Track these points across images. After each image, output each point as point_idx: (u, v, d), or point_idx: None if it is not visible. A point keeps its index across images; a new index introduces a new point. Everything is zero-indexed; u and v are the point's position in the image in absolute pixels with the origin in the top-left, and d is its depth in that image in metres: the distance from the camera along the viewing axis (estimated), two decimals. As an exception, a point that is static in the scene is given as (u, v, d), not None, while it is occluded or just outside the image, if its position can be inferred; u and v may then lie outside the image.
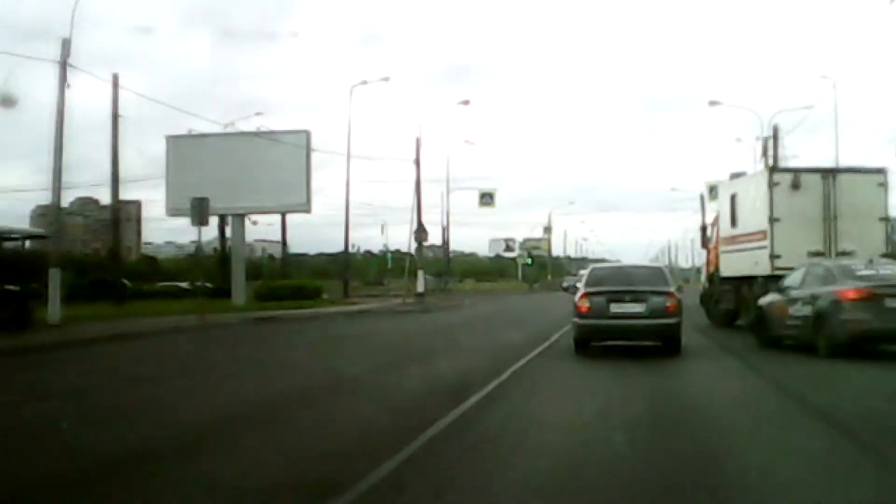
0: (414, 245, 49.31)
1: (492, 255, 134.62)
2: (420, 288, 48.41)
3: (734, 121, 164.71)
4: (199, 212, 29.24)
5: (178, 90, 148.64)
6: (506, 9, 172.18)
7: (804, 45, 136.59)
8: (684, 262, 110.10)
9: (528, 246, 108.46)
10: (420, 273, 48.81)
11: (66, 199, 41.08)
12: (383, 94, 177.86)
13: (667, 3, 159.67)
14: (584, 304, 15.75)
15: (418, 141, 48.89)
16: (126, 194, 42.77)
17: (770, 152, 49.54)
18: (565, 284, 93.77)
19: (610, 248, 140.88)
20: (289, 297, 42.94)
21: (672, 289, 15.86)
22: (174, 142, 41.78)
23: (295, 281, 49.50)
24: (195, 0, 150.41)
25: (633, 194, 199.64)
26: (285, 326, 29.45)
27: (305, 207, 41.80)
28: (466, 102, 49.98)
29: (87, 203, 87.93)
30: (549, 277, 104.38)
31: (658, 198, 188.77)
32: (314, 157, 41.47)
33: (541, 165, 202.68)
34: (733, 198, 22.67)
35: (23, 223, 43.13)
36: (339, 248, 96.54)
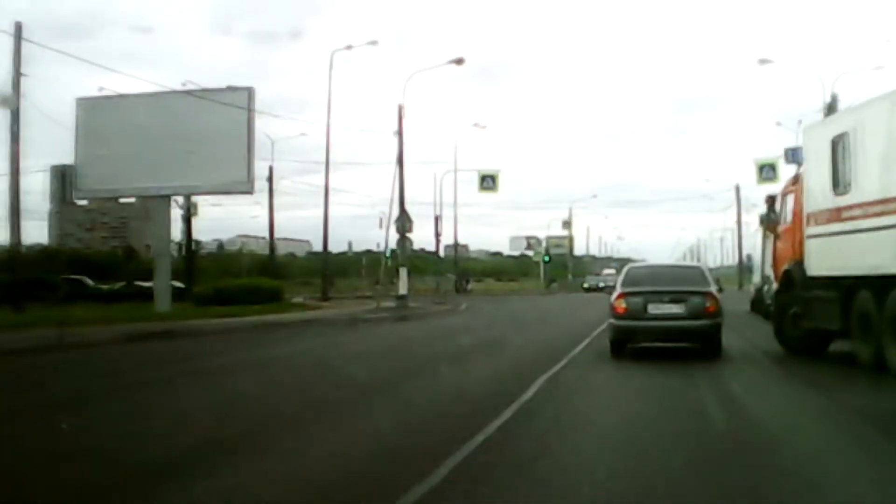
0: (395, 237, 40.35)
1: (516, 254, 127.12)
2: (402, 289, 39.54)
3: (763, 120, 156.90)
4: (60, 186, 20.55)
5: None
6: (532, 7, 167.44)
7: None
8: (712, 262, 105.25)
9: (551, 244, 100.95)
10: (402, 272, 39.94)
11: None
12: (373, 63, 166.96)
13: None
14: (621, 305, 15.32)
15: (400, 109, 40.06)
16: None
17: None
18: (587, 284, 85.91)
19: (635, 246, 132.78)
20: (240, 299, 34.55)
21: (712, 289, 15.43)
22: (86, 105, 33.05)
23: (248, 281, 40.92)
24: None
25: (661, 193, 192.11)
26: (171, 347, 21.00)
27: (245, 187, 33.15)
28: (460, 62, 40.88)
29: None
30: (570, 277, 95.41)
31: (686, 196, 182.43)
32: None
33: (565, 164, 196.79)
34: (840, 142, 13.51)
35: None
36: (368, 245, 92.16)
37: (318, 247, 70.58)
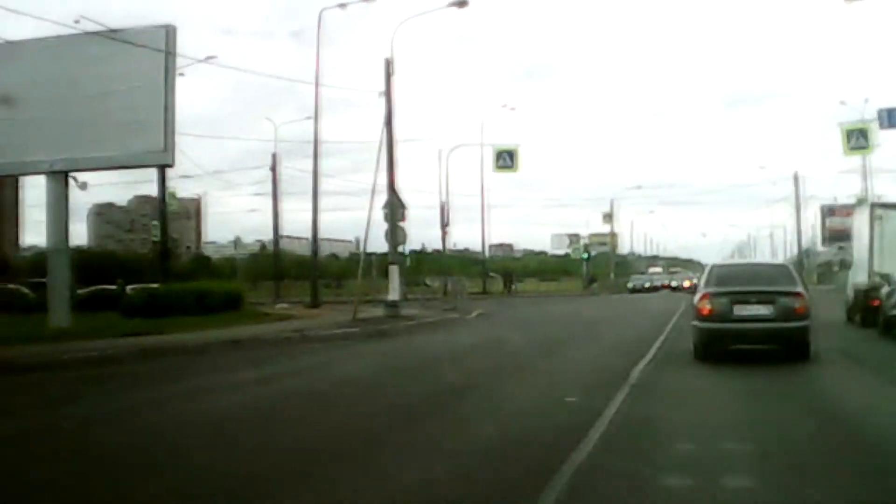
0: (384, 227, 31.66)
1: (560, 252, 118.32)
2: (393, 293, 31.00)
3: (811, 116, 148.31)
4: None
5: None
6: (579, 8, 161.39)
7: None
8: (761, 259, 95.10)
9: (593, 241, 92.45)
10: (393, 271, 31.37)
11: None
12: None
13: None
14: (706, 307, 14.55)
15: (388, 64, 31.41)
16: None
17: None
18: (632, 284, 77.37)
19: (683, 244, 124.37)
20: (180, 308, 26.60)
21: (801, 289, 14.72)
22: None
23: (193, 285, 32.59)
24: None
25: (709, 189, 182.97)
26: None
27: (161, 158, 24.78)
28: (462, 4, 31.97)
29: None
30: (612, 276, 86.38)
31: (735, 191, 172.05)
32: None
33: (609, 162, 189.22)
34: None
35: None
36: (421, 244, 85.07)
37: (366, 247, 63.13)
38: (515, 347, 19.39)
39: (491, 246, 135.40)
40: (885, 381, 12.34)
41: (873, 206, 21.43)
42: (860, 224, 22.55)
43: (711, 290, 14.77)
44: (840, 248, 72.58)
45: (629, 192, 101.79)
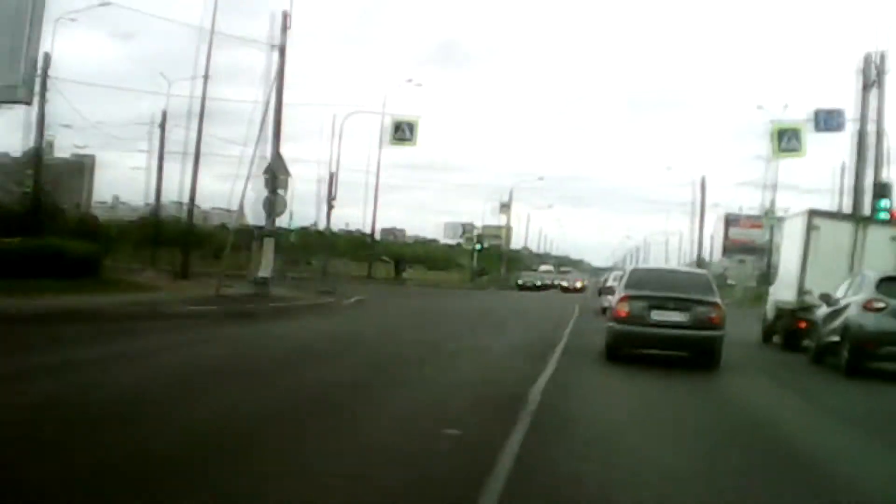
0: (263, 195, 28.16)
1: (452, 242, 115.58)
2: (264, 269, 27.69)
3: (713, 126, 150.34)
4: None
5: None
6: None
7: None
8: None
9: (487, 233, 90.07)
10: (268, 245, 28.05)
11: None
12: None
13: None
14: (624, 309, 14.62)
15: (285, 16, 28.12)
16: None
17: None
18: (521, 281, 75.22)
19: (575, 244, 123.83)
20: (26, 269, 22.75)
21: (717, 299, 14.83)
22: None
23: (42, 242, 28.35)
24: None
25: (608, 191, 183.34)
26: None
27: (15, 95, 20.69)
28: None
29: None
30: (503, 271, 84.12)
31: (635, 195, 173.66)
32: None
33: (512, 156, 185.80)
34: None
35: None
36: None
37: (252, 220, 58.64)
38: (387, 348, 16.32)
39: (382, 230, 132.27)
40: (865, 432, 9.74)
41: (811, 213, 19.02)
42: (791, 233, 20.17)
43: (631, 292, 14.80)
44: (741, 261, 71.61)
45: (529, 184, 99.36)
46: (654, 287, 14.95)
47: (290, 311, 24.46)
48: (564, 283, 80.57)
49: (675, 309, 14.33)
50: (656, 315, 14.35)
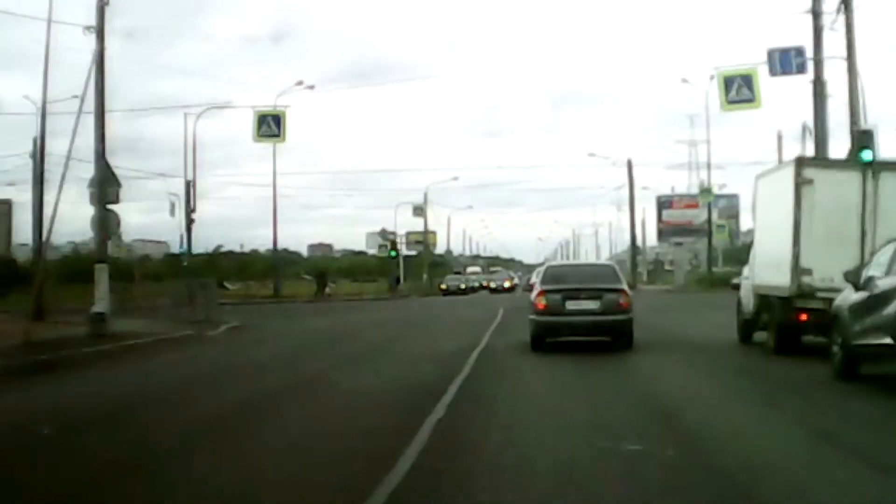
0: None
1: (381, 253, 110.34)
2: (99, 303, 21.83)
3: (636, 115, 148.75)
4: None
5: None
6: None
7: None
8: (585, 258, 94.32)
9: (412, 239, 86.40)
10: (100, 272, 22.19)
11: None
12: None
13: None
14: (542, 302, 15.93)
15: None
16: None
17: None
18: (445, 286, 69.90)
19: (504, 243, 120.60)
20: None
21: (624, 286, 16.20)
22: None
23: None
24: None
25: (537, 190, 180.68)
26: None
27: None
28: None
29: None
30: (426, 277, 78.88)
31: (564, 190, 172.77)
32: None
33: (436, 163, 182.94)
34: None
35: None
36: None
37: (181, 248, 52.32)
38: (204, 406, 10.75)
39: (310, 245, 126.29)
40: None
41: (800, 162, 13.70)
42: (772, 194, 14.77)
43: (547, 287, 16.20)
44: (678, 244, 66.92)
45: (445, 185, 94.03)
46: (567, 280, 16.41)
47: (128, 354, 18.84)
48: (493, 284, 76.46)
49: (587, 298, 15.68)
50: (571, 305, 15.71)
